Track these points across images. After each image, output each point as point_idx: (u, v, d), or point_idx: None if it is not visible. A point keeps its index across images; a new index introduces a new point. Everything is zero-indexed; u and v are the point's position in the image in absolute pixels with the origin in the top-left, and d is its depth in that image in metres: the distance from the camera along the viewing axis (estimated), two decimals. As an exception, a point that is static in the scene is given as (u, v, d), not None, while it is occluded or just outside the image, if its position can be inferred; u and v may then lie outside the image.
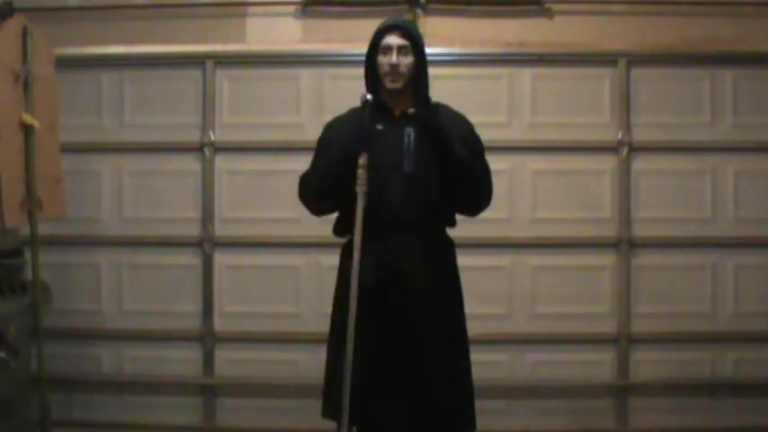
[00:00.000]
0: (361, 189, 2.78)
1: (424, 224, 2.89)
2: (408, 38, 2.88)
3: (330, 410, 2.94)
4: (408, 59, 2.87)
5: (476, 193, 2.94)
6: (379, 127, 2.83)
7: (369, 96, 2.84)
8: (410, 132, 2.87)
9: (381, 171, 2.82)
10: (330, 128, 3.04)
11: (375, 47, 2.89)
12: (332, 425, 2.98)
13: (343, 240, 3.02)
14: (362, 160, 2.78)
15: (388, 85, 2.88)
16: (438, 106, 3.00)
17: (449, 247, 2.99)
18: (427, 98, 2.96)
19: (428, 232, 2.91)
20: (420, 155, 2.86)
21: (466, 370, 2.95)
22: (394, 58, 2.85)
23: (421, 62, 2.90)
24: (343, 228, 2.99)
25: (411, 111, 2.92)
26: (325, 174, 2.89)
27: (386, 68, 2.86)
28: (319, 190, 2.94)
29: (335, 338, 2.97)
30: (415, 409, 2.81)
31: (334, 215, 3.03)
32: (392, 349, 2.81)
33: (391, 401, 2.80)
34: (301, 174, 3.02)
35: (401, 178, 2.84)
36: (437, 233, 2.96)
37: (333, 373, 2.94)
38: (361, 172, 2.77)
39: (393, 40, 2.86)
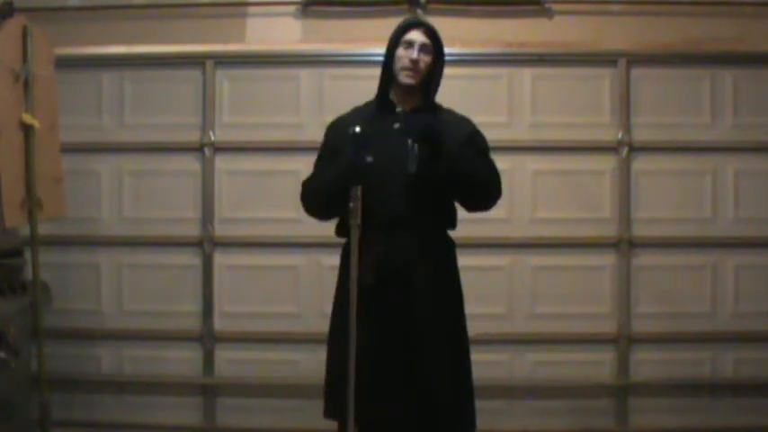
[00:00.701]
0: (354, 222, 2.74)
1: (424, 225, 2.89)
2: (432, 38, 2.88)
3: (332, 410, 2.94)
4: (428, 58, 2.87)
5: (481, 193, 2.93)
6: (369, 159, 2.73)
7: (357, 129, 2.78)
8: None
9: (384, 171, 2.81)
10: (333, 128, 3.03)
11: (396, 41, 2.89)
12: (333, 425, 2.98)
13: (343, 240, 3.03)
14: (355, 194, 2.72)
15: (404, 80, 2.87)
16: (440, 109, 2.99)
17: (449, 248, 2.99)
18: (433, 101, 2.96)
19: (429, 233, 2.91)
20: (424, 155, 2.85)
21: (466, 370, 2.94)
22: (415, 54, 2.85)
23: (438, 65, 2.90)
24: (345, 229, 2.99)
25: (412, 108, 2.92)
26: (322, 192, 2.90)
27: (405, 62, 2.86)
28: (316, 203, 2.96)
29: (335, 339, 2.97)
30: (415, 408, 2.81)
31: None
32: (392, 349, 2.81)
33: (391, 401, 2.80)
34: (303, 179, 3.02)
35: (404, 178, 2.84)
36: (438, 234, 2.96)
37: (333, 373, 2.94)
38: (352, 206, 2.71)
39: (417, 36, 2.86)
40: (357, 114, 2.99)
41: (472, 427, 2.94)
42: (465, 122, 3.01)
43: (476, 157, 2.90)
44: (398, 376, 2.80)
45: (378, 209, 2.81)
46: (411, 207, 2.84)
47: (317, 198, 2.94)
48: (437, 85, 2.95)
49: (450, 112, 3.03)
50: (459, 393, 2.89)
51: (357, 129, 2.71)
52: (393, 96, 2.93)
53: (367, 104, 3.01)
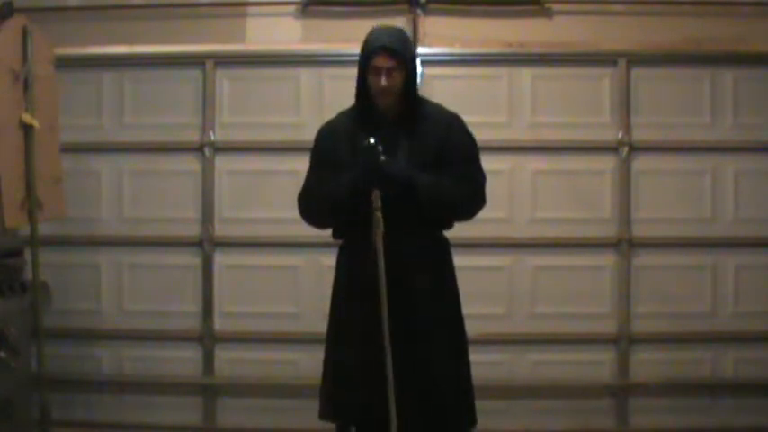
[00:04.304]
0: (379, 233, 2.75)
1: (419, 227, 2.88)
2: (396, 57, 2.85)
3: (328, 412, 2.93)
4: (398, 78, 2.85)
5: (453, 214, 2.95)
6: (383, 158, 2.77)
7: (372, 140, 2.77)
8: (403, 137, 2.87)
9: None
10: (322, 136, 3.01)
11: (364, 65, 2.86)
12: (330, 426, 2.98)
13: (340, 241, 3.03)
14: (376, 202, 2.75)
15: (380, 102, 2.88)
16: (429, 106, 2.98)
17: (444, 248, 2.99)
18: (416, 101, 2.94)
19: (424, 234, 2.90)
20: (413, 158, 2.85)
21: (465, 369, 2.94)
22: (383, 81, 2.83)
23: (411, 74, 2.89)
24: (341, 232, 2.99)
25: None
26: (332, 207, 2.88)
27: (376, 89, 2.85)
28: (325, 217, 2.96)
29: (332, 340, 2.96)
30: (415, 408, 2.81)
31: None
32: (391, 349, 2.80)
33: (389, 402, 2.79)
34: (299, 193, 3.00)
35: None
36: (432, 234, 2.96)
37: (330, 375, 2.93)
38: (378, 216, 2.74)
39: (382, 62, 2.83)
40: (344, 119, 2.98)
41: (473, 425, 2.93)
42: (452, 121, 2.97)
43: (448, 185, 2.85)
44: (398, 376, 2.79)
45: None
46: (405, 210, 2.82)
47: (326, 209, 2.91)
48: (415, 87, 2.93)
49: (436, 108, 3.00)
50: (458, 392, 2.89)
51: (372, 140, 2.76)
52: (377, 105, 2.91)
53: (353, 108, 2.98)
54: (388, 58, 2.84)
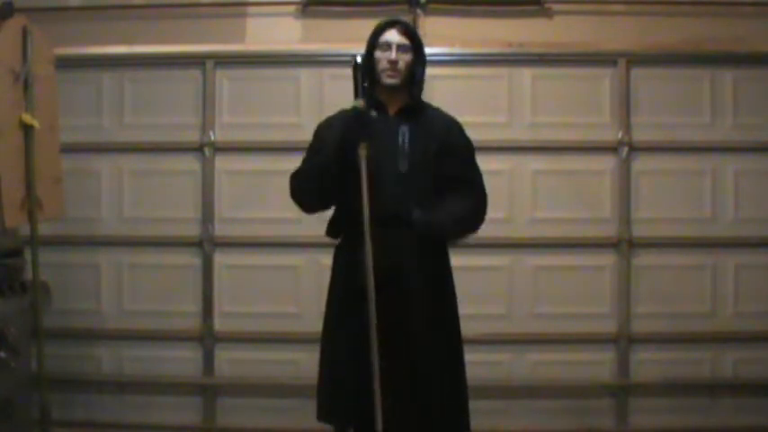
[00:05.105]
0: (364, 186, 2.74)
1: None
2: (409, 36, 2.87)
3: (326, 414, 2.92)
4: (407, 57, 2.86)
5: (468, 233, 3.03)
6: (374, 113, 2.79)
7: (360, 101, 2.79)
8: (404, 131, 2.86)
9: (375, 169, 2.80)
10: (321, 129, 3.02)
11: (373, 43, 2.88)
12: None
13: (336, 241, 3.02)
14: (363, 151, 2.75)
15: (385, 81, 2.86)
16: (428, 108, 2.99)
17: (442, 248, 2.98)
18: (420, 99, 2.95)
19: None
20: (414, 154, 2.85)
21: (461, 372, 2.94)
22: (393, 54, 2.84)
23: (419, 62, 2.89)
24: (335, 229, 2.99)
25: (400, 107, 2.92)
26: (315, 172, 2.89)
27: (384, 64, 2.85)
28: (308, 189, 2.94)
29: (327, 340, 2.95)
30: (413, 409, 2.80)
31: (329, 214, 3.03)
32: (388, 350, 2.79)
33: (388, 402, 2.79)
34: (292, 172, 3.02)
35: (395, 178, 2.83)
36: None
37: (326, 376, 2.93)
38: (364, 162, 2.75)
39: (393, 37, 2.86)
40: (344, 115, 2.98)
41: (467, 429, 2.92)
42: (452, 124, 2.98)
43: (451, 220, 2.91)
44: (394, 377, 2.79)
45: (371, 208, 2.79)
46: (404, 206, 2.83)
47: (309, 181, 2.91)
48: (421, 82, 2.93)
49: (437, 111, 3.01)
50: (454, 395, 2.88)
51: (360, 101, 2.79)
52: (379, 96, 2.91)
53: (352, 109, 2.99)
54: (400, 34, 2.86)
